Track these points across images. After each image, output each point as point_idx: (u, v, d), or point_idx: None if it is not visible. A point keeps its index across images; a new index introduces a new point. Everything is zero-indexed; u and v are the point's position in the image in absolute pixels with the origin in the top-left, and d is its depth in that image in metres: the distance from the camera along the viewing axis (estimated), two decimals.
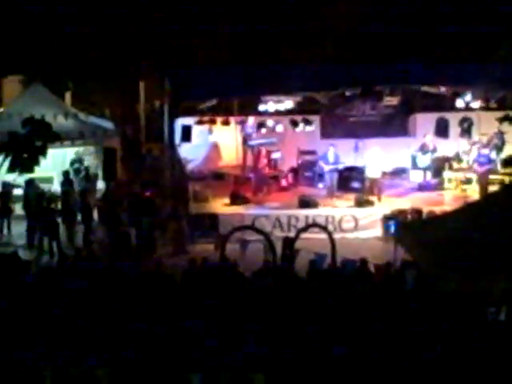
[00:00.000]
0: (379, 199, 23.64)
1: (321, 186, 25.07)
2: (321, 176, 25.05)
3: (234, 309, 12.82)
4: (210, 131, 26.58)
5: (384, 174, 24.53)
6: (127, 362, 11.43)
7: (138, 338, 11.90)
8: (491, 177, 23.75)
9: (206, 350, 11.47)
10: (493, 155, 24.51)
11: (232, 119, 26.11)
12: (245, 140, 26.57)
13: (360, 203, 23.00)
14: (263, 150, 25.64)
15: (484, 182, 23.41)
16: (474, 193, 23.65)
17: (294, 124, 25.51)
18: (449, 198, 23.89)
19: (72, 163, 25.30)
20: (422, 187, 25.12)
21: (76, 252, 17.66)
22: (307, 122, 25.62)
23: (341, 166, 24.42)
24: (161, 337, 11.93)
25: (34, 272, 16.01)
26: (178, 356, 11.46)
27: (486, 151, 24.32)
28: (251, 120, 26.32)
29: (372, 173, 24.04)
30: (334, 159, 24.33)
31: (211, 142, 27.55)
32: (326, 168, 24.38)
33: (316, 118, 26.69)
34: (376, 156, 24.11)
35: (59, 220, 21.50)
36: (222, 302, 13.02)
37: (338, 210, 22.87)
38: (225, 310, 12.73)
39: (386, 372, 10.97)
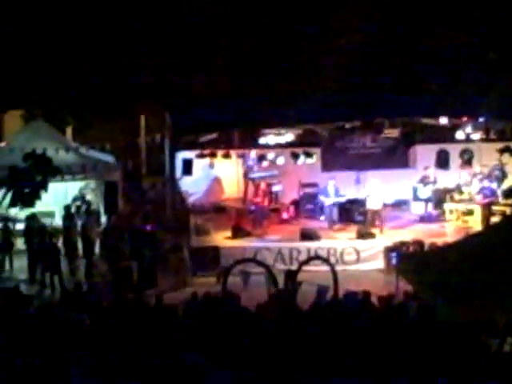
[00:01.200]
0: (381, 231, 23.60)
1: (322, 218, 25.05)
2: (322, 208, 25.05)
3: (236, 342, 12.75)
4: (212, 165, 26.62)
5: (385, 205, 24.49)
6: None
7: (139, 373, 11.82)
8: (493, 208, 23.73)
9: None
10: (494, 186, 24.50)
11: (233, 152, 26.18)
12: (246, 173, 26.62)
13: (362, 235, 22.96)
14: (262, 184, 25.62)
15: (487, 213, 23.41)
16: (475, 224, 23.59)
17: (295, 156, 25.56)
18: (450, 230, 23.82)
19: (74, 200, 25.15)
20: (424, 219, 25.13)
21: (76, 287, 17.55)
22: (308, 155, 25.65)
23: (342, 199, 24.46)
24: (163, 371, 11.85)
25: (35, 307, 15.92)
26: None
27: (488, 184, 24.35)
28: (253, 153, 26.39)
29: (374, 205, 23.97)
30: (335, 192, 24.37)
31: (213, 175, 27.61)
32: (327, 202, 24.41)
33: (317, 151, 26.69)
34: (377, 188, 24.08)
35: (61, 254, 21.46)
36: (225, 336, 12.95)
37: (340, 242, 22.85)
38: (227, 344, 12.66)
39: None
